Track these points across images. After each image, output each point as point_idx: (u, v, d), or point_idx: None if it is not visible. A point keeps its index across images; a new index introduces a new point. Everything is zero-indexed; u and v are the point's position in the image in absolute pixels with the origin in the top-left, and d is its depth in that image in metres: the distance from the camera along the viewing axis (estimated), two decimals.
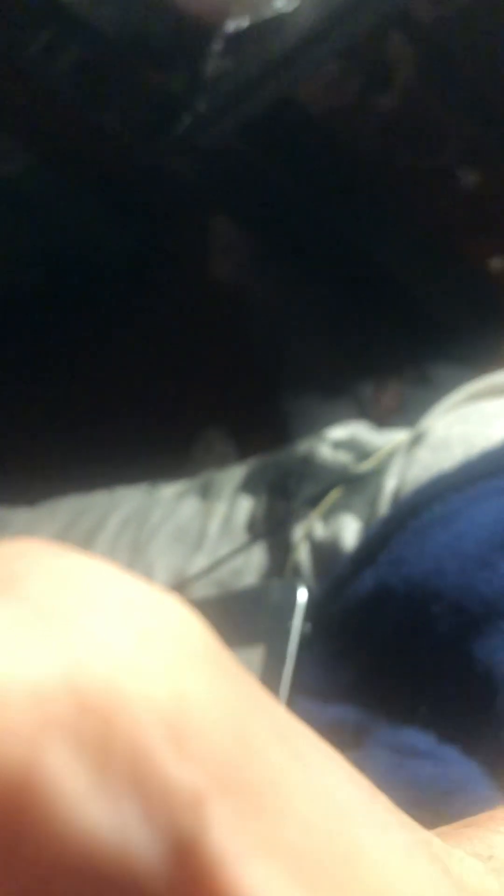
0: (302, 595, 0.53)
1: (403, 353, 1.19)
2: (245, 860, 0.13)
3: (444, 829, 0.30)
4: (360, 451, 0.70)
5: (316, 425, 0.79)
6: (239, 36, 0.82)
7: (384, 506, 0.60)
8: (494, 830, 0.29)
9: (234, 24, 0.83)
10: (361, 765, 0.48)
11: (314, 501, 0.67)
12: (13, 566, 0.15)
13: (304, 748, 0.16)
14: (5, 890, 0.12)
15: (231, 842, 0.13)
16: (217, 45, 0.85)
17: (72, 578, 0.15)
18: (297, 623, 0.51)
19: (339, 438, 0.74)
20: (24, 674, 0.13)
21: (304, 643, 0.52)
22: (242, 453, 1.08)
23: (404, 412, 1.12)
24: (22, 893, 0.12)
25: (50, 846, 0.12)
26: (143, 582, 0.15)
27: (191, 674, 0.14)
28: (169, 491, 0.85)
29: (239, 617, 0.54)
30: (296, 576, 0.62)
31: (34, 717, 0.12)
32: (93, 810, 0.12)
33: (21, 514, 0.95)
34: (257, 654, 0.52)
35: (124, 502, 0.86)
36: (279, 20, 0.79)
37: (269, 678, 0.50)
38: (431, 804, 0.40)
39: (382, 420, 1.10)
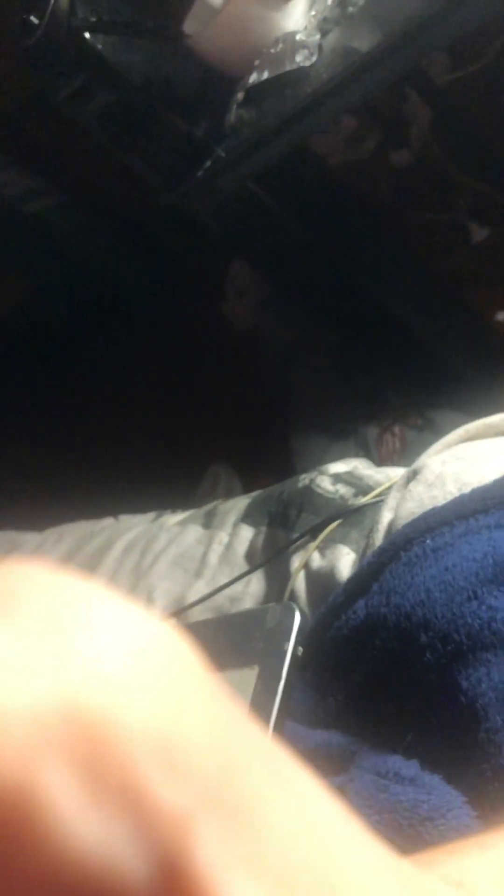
0: (297, 618, 0.53)
1: (408, 399, 1.21)
2: (229, 878, 0.14)
3: (419, 854, 0.31)
4: (359, 485, 0.72)
5: (321, 464, 0.81)
6: (260, 87, 0.85)
7: (379, 538, 0.61)
8: (467, 856, 0.30)
9: (255, 76, 0.86)
10: (345, 788, 0.48)
11: (313, 533, 0.68)
12: (13, 588, 0.15)
13: (285, 773, 0.17)
14: None
15: (216, 860, 0.14)
16: (239, 95, 0.88)
17: (69, 603, 0.15)
18: (292, 646, 0.52)
19: (339, 472, 0.75)
20: (21, 696, 0.13)
21: (297, 667, 0.53)
22: (247, 489, 1.09)
23: (406, 455, 1.13)
24: None
25: (43, 862, 0.13)
26: (138, 608, 0.16)
27: (181, 700, 0.15)
28: (173, 519, 0.86)
29: (236, 639, 0.55)
30: (292, 601, 0.63)
31: (30, 738, 0.13)
32: (85, 828, 0.13)
33: (30, 538, 0.96)
34: (251, 675, 0.52)
35: (130, 529, 0.87)
36: (299, 73, 0.82)
37: (262, 699, 0.51)
38: (412, 829, 0.40)
39: (385, 462, 1.11)
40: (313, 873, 0.16)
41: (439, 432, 0.81)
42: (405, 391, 1.20)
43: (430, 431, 1.14)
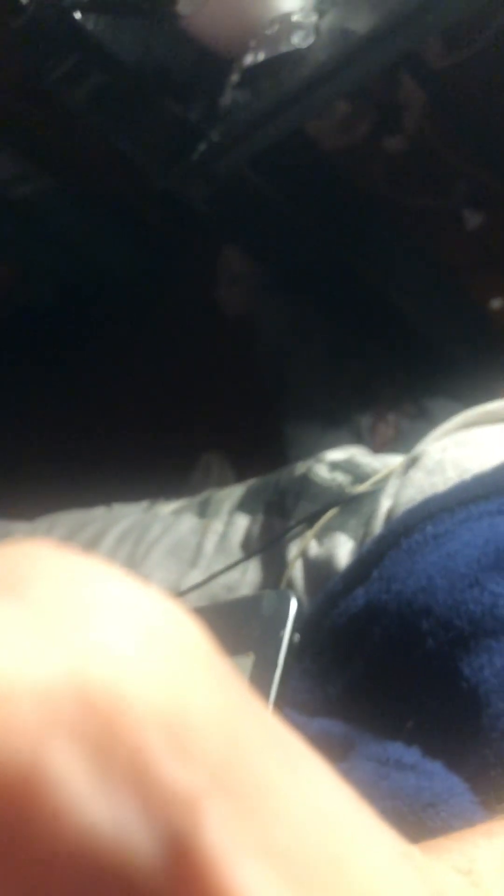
0: (294, 605, 0.53)
1: (403, 387, 1.21)
2: (238, 859, 0.14)
3: (426, 843, 0.30)
4: (357, 473, 0.71)
5: (314, 453, 0.80)
6: (255, 69, 0.84)
7: (378, 525, 0.60)
8: (474, 844, 0.30)
9: (251, 57, 0.85)
10: (346, 776, 0.48)
11: (310, 521, 0.67)
12: (20, 568, 0.15)
13: (294, 756, 0.17)
14: (9, 882, 0.13)
15: (225, 841, 0.14)
16: (234, 77, 0.87)
17: (77, 581, 0.15)
18: (288, 633, 0.52)
19: (337, 460, 0.75)
20: (30, 674, 0.13)
21: (294, 655, 0.53)
22: (240, 478, 1.09)
23: (401, 444, 1.12)
24: (24, 886, 0.13)
25: (51, 841, 0.13)
26: (146, 587, 0.16)
27: (190, 679, 0.15)
28: (167, 508, 0.85)
29: (231, 626, 0.54)
30: (289, 588, 0.63)
31: (39, 717, 0.13)
32: (93, 807, 0.13)
33: (20, 527, 0.95)
34: (247, 662, 0.52)
35: (123, 518, 0.86)
36: (295, 55, 0.81)
37: (258, 687, 0.51)
38: (414, 815, 0.40)
39: (378, 450, 1.11)
40: (323, 856, 0.15)
41: (434, 421, 0.80)
42: (399, 379, 1.20)
43: (425, 420, 1.14)
